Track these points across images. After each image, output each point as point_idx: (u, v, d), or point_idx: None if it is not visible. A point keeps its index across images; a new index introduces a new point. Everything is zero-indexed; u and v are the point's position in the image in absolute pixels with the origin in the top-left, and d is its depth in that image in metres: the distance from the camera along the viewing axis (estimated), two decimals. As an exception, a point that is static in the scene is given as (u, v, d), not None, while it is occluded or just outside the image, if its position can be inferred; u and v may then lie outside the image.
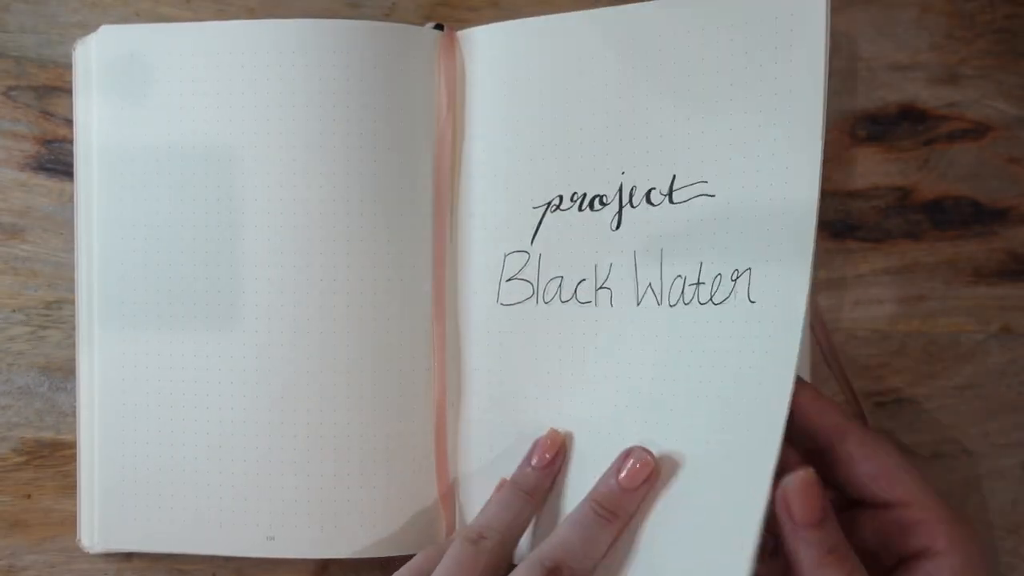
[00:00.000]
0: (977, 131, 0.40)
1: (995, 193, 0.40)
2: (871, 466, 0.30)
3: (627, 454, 0.32)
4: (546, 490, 0.36)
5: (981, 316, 0.40)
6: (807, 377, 0.39)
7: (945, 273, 0.40)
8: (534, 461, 0.36)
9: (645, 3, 0.36)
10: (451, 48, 0.39)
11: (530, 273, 0.37)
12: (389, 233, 0.38)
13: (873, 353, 0.40)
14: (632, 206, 0.35)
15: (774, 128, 0.33)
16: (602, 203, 0.36)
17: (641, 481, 0.32)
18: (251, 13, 0.40)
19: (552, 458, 0.35)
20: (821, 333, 0.40)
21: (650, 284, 0.35)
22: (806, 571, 0.28)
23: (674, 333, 0.34)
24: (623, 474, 0.32)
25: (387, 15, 0.40)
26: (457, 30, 0.39)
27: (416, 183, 0.38)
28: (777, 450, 0.29)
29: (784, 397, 0.30)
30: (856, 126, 0.40)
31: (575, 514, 0.32)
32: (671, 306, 0.34)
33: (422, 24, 0.39)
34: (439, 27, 0.39)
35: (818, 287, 0.40)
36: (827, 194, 0.40)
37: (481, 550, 0.32)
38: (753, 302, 0.33)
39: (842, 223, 0.40)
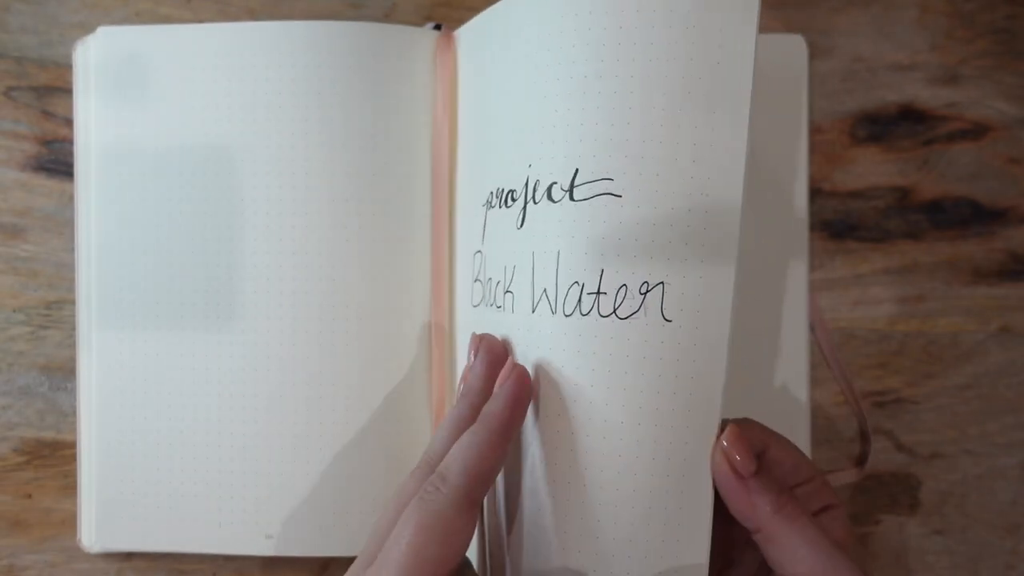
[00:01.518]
0: (976, 131, 0.40)
1: (994, 193, 0.40)
2: (789, 465, 0.30)
3: (476, 342, 0.32)
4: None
5: (980, 316, 0.40)
6: (805, 378, 0.39)
7: (944, 273, 0.40)
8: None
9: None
10: (448, 48, 0.39)
11: (482, 274, 0.35)
12: (387, 233, 0.38)
13: (873, 353, 0.40)
14: (535, 202, 0.31)
15: (695, 127, 0.29)
16: (512, 199, 0.32)
17: (493, 365, 0.31)
18: (251, 14, 0.40)
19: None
20: (821, 333, 0.40)
21: (545, 290, 0.30)
22: (766, 520, 0.28)
23: (570, 347, 0.30)
24: (478, 365, 0.31)
25: (387, 15, 0.40)
26: (455, 30, 0.39)
27: (415, 183, 0.38)
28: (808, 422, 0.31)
29: (706, 442, 0.29)
30: (856, 126, 0.40)
31: (447, 413, 0.31)
32: (566, 316, 0.30)
33: (422, 24, 0.39)
34: (438, 27, 0.39)
35: (818, 287, 0.40)
36: (827, 194, 0.40)
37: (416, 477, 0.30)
38: (669, 320, 0.29)
39: (842, 223, 0.40)
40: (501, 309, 0.32)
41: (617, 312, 0.29)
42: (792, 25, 0.40)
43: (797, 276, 0.39)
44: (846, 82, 0.40)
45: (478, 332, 0.33)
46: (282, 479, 0.38)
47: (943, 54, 0.40)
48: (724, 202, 0.29)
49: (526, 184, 0.31)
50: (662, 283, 0.29)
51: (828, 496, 0.31)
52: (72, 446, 0.40)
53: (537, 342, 0.31)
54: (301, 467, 0.38)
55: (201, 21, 0.40)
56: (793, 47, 0.40)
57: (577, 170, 0.30)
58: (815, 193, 0.40)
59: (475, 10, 0.40)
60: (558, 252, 0.30)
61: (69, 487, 0.40)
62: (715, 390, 0.29)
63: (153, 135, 0.38)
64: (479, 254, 0.34)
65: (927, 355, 0.40)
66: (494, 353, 0.31)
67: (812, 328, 0.40)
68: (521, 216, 0.31)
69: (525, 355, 0.31)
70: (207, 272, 0.38)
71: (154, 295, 0.38)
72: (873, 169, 0.40)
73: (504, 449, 0.29)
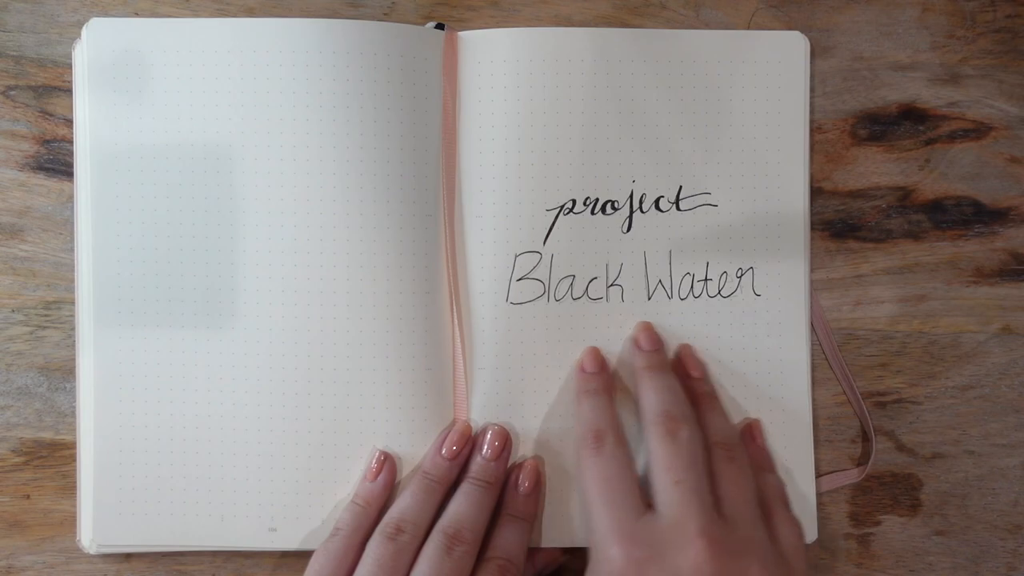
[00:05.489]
0: (978, 131, 0.40)
1: (996, 193, 0.40)
2: None
3: (483, 431, 0.38)
4: (453, 479, 0.37)
5: (982, 316, 0.40)
6: (807, 377, 0.39)
7: (946, 273, 0.40)
8: (444, 452, 0.37)
9: (659, 30, 0.40)
10: (453, 48, 0.39)
11: (542, 272, 0.39)
12: (389, 233, 0.38)
13: (874, 353, 0.40)
14: (642, 211, 0.39)
15: (766, 150, 0.39)
16: (613, 208, 0.39)
17: (503, 449, 0.37)
18: (250, 12, 0.40)
19: (460, 450, 0.37)
20: (822, 333, 0.40)
21: (660, 281, 0.39)
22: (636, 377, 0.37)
23: (687, 322, 0.39)
24: (486, 450, 0.37)
25: (387, 14, 0.40)
26: (458, 30, 0.39)
27: (419, 183, 0.38)
28: (810, 421, 0.39)
29: (804, 374, 0.39)
30: (857, 126, 0.40)
31: (461, 491, 0.36)
32: (682, 299, 0.39)
33: (422, 23, 0.39)
34: (440, 26, 0.39)
35: (819, 287, 0.40)
36: (828, 194, 0.40)
37: (400, 545, 0.34)
38: (759, 295, 0.39)
39: (843, 223, 0.40)
40: (601, 300, 0.39)
41: (721, 292, 0.39)
42: (793, 24, 0.40)
43: (797, 276, 0.39)
44: (847, 81, 0.40)
45: (533, 326, 0.39)
46: (285, 473, 0.38)
47: (944, 53, 0.40)
48: (792, 207, 0.39)
49: (631, 196, 0.39)
50: (752, 268, 0.39)
51: None
52: (71, 446, 0.39)
53: (655, 321, 0.39)
54: (304, 461, 0.38)
55: (200, 19, 0.40)
56: (793, 44, 0.40)
57: (681, 186, 0.39)
58: (816, 193, 0.40)
59: (475, 9, 0.40)
60: (670, 251, 0.39)
61: (68, 488, 0.39)
62: (800, 338, 0.39)
63: (150, 132, 0.38)
64: (533, 254, 0.39)
65: (928, 355, 0.40)
66: (504, 442, 0.37)
67: (813, 328, 0.40)
68: (627, 222, 0.39)
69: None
70: (207, 270, 0.38)
71: (153, 293, 0.38)
72: (874, 169, 0.40)
73: (440, 496, 0.37)
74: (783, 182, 0.39)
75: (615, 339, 0.39)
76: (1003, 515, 0.40)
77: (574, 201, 0.39)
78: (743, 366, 0.39)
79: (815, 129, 0.40)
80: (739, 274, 0.39)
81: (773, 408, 0.39)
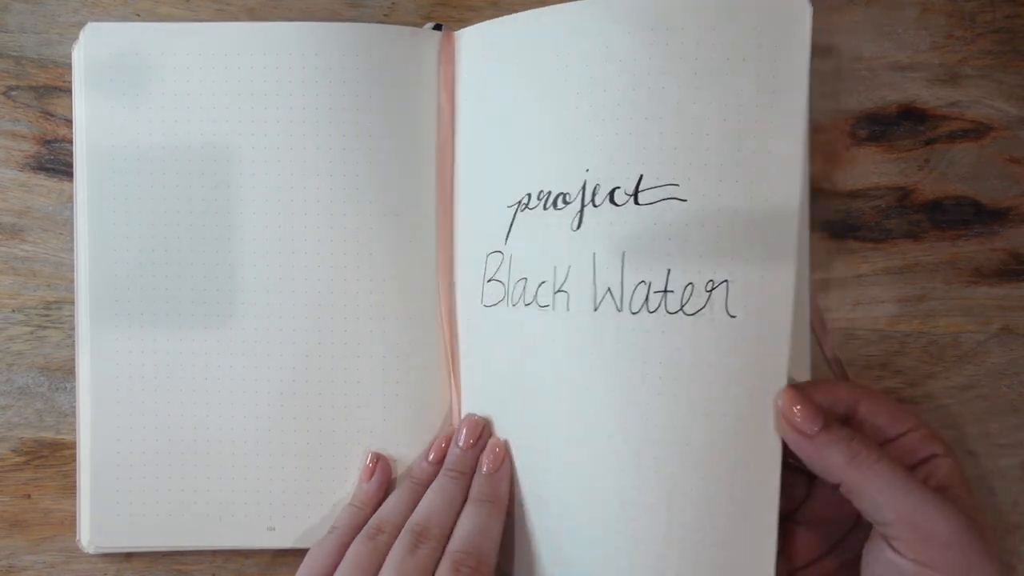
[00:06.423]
0: (978, 131, 0.40)
1: (995, 193, 0.40)
2: (885, 417, 0.32)
3: (462, 423, 0.37)
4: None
5: (981, 316, 0.40)
6: (807, 377, 0.39)
7: (945, 273, 0.40)
8: (431, 458, 0.37)
9: None
10: (450, 48, 0.39)
11: (503, 274, 0.35)
12: (386, 233, 0.38)
13: (873, 353, 0.40)
14: (594, 205, 0.33)
15: (754, 136, 0.32)
16: (565, 202, 0.33)
17: (476, 438, 0.36)
18: (251, 13, 0.40)
19: (445, 453, 0.37)
20: (821, 333, 0.40)
21: (609, 289, 0.32)
22: (841, 471, 0.30)
23: (637, 342, 0.32)
24: (460, 439, 0.37)
25: (387, 15, 0.40)
26: (456, 30, 0.39)
27: (418, 184, 0.38)
28: (779, 458, 0.31)
29: (771, 430, 0.31)
30: (856, 126, 0.40)
31: (434, 484, 0.36)
32: (633, 313, 0.32)
33: (422, 24, 0.39)
34: (438, 27, 0.39)
35: (818, 287, 0.40)
36: (827, 194, 0.40)
37: (377, 544, 0.34)
38: (733, 316, 0.31)
39: (842, 223, 0.40)
40: (547, 308, 0.34)
41: (684, 309, 0.32)
42: (792, 24, 0.40)
43: (783, 294, 0.33)
44: (846, 82, 0.40)
45: (499, 331, 0.36)
46: (283, 472, 0.38)
47: (944, 53, 0.40)
48: (782, 206, 0.31)
49: (583, 188, 0.33)
50: (726, 281, 0.31)
51: (933, 446, 0.32)
52: (71, 446, 0.40)
53: (600, 339, 0.32)
54: (302, 460, 0.38)
55: (200, 20, 0.40)
56: (792, 7, 0.32)
57: (642, 176, 0.32)
58: (815, 193, 0.40)
59: (475, 10, 0.40)
60: (623, 253, 0.32)
61: (68, 487, 0.40)
62: (778, 381, 0.31)
63: (148, 134, 0.38)
64: (498, 254, 0.35)
65: (928, 355, 0.40)
66: (478, 431, 0.37)
67: (812, 328, 0.40)
68: (578, 218, 0.33)
69: (582, 351, 0.33)
70: (204, 271, 0.38)
71: (151, 295, 0.38)
72: (874, 169, 0.40)
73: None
74: (774, 173, 0.31)
75: (559, 355, 0.33)
76: (1002, 515, 0.40)
77: (529, 196, 0.34)
78: (705, 404, 0.32)
79: (814, 129, 0.40)
80: (709, 288, 0.31)
81: (737, 469, 0.32)
